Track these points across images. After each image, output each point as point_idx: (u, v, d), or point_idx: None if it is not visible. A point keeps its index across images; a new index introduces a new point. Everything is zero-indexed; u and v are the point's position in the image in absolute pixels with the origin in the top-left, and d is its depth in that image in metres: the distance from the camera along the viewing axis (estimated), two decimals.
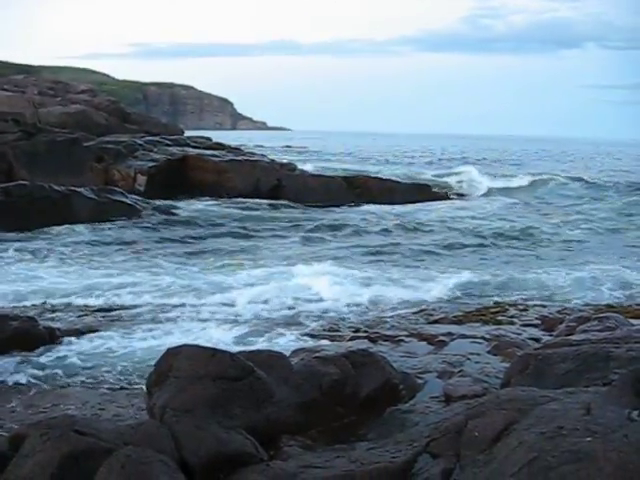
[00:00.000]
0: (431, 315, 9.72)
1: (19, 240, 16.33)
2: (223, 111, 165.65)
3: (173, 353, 4.84)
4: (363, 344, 7.48)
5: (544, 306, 10.08)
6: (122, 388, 7.26)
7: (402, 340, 7.61)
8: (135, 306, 10.39)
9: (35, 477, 3.78)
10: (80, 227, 17.97)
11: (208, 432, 4.19)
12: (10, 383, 7.32)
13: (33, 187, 19.04)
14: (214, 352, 4.83)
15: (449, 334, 7.79)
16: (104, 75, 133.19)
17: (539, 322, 8.88)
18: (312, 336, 8.47)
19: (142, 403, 6.46)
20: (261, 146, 57.58)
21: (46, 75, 67.84)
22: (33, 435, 4.01)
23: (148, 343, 8.43)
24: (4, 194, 18.36)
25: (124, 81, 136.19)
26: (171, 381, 4.61)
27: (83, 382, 7.43)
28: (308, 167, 32.99)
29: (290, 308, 10.32)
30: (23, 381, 7.39)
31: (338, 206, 24.31)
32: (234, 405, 4.55)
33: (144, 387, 6.99)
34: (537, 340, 7.75)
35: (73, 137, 26.59)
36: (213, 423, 4.29)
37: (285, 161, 31.32)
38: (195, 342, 5.72)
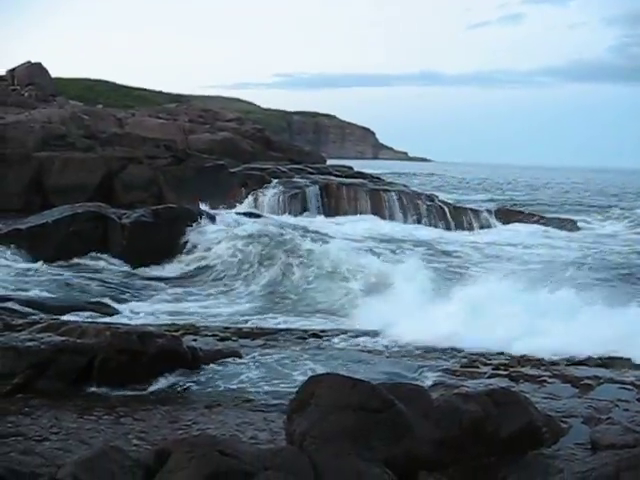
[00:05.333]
0: (575, 356, 9.30)
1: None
2: (365, 141, 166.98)
3: (315, 381, 4.85)
4: (503, 382, 7.26)
5: None
6: (259, 411, 7.33)
7: (545, 381, 7.31)
8: (277, 331, 10.55)
9: None
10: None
11: (347, 463, 4.17)
12: (153, 399, 7.56)
13: (180, 210, 19.81)
14: (356, 382, 4.81)
15: (595, 377, 7.43)
16: (250, 104, 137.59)
17: None
18: (451, 371, 8.29)
19: (278, 427, 6.52)
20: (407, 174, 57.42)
21: (196, 104, 70.79)
22: (178, 452, 4.12)
23: (286, 369, 8.49)
24: (153, 216, 19.19)
25: (269, 110, 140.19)
26: (312, 409, 4.62)
27: (222, 402, 7.56)
28: None
29: (429, 342, 10.11)
30: (165, 398, 7.61)
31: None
32: (374, 437, 4.51)
33: (280, 412, 7.14)
34: None
35: (220, 163, 27.62)
36: (352, 454, 4.27)
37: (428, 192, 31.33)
38: (336, 371, 5.70)
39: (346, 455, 4.25)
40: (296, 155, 40.21)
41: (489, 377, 7.76)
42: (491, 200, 39.41)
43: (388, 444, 4.57)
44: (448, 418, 4.98)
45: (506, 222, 27.59)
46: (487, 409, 5.11)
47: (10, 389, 7.49)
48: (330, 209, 26.08)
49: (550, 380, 7.31)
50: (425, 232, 24.91)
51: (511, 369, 8.16)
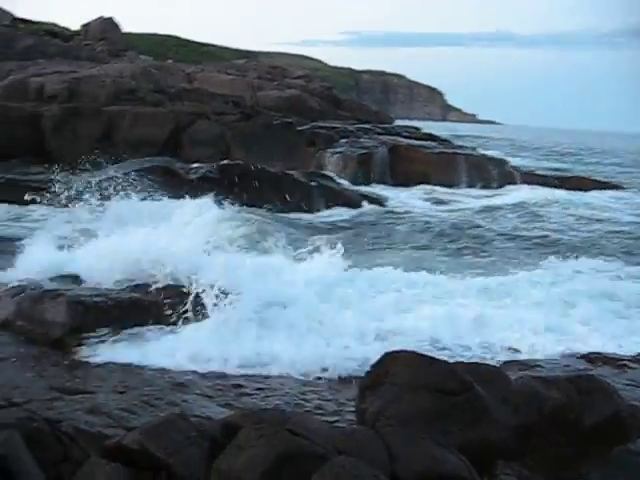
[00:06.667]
0: None
1: None
2: (433, 101, 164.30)
3: (391, 358, 4.63)
4: (580, 364, 6.94)
5: None
6: (325, 379, 7.19)
7: (626, 365, 6.91)
8: None
9: (247, 471, 3.73)
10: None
11: (423, 448, 3.97)
12: (214, 366, 7.38)
13: (246, 167, 19.71)
14: (433, 362, 4.59)
15: None
16: (318, 61, 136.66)
17: None
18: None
19: (343, 398, 6.36)
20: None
21: (264, 60, 70.54)
22: (247, 427, 3.97)
23: (355, 341, 8.24)
24: (219, 172, 19.16)
25: (337, 68, 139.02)
26: (387, 387, 4.41)
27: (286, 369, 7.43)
28: None
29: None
30: (228, 364, 7.46)
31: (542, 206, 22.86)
32: (450, 421, 4.29)
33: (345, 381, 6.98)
34: None
35: (288, 121, 27.38)
36: (428, 438, 4.06)
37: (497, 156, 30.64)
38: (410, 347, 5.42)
39: (421, 439, 4.04)
40: (364, 115, 39.68)
41: (564, 356, 7.41)
42: (560, 168, 38.14)
43: (464, 429, 4.35)
44: (528, 404, 4.73)
45: (577, 189, 26.57)
46: (570, 397, 4.83)
47: (77, 344, 7.51)
48: (398, 174, 25.41)
49: (632, 365, 6.91)
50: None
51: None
